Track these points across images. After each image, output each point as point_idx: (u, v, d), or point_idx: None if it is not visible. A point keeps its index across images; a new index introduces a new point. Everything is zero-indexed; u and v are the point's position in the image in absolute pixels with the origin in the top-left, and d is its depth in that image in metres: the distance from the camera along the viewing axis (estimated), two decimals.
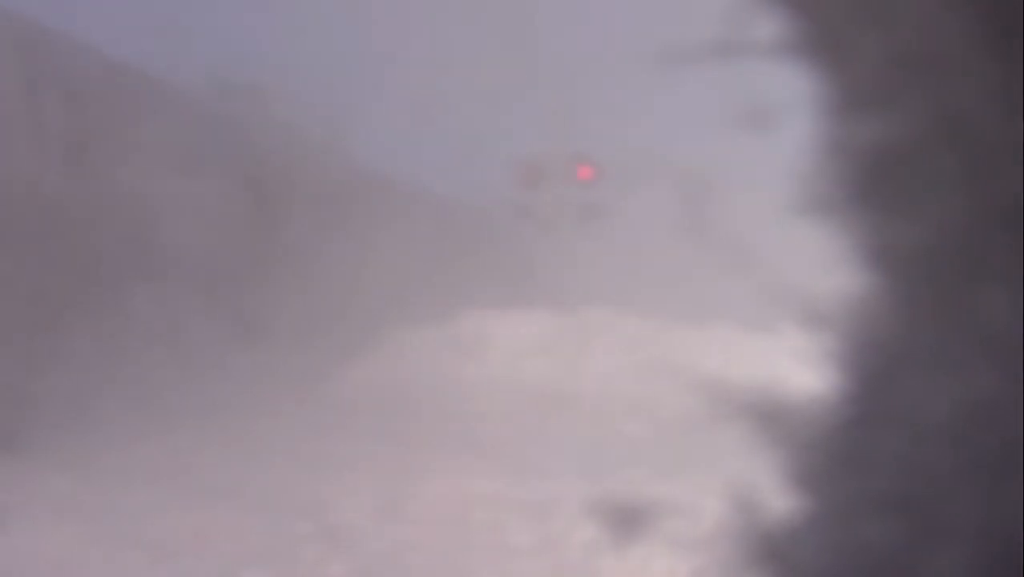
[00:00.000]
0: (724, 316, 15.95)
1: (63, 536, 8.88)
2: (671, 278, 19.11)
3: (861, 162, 1.28)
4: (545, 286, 21.52)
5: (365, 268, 20.48)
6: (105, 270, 15.34)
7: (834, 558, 1.27)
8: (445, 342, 17.10)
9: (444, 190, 23.96)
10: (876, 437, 1.26)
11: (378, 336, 17.24)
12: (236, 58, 19.41)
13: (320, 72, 19.54)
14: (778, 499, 1.30)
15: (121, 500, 9.95)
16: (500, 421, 14.23)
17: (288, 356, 17.07)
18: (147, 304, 16.02)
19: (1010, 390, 1.21)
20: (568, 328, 17.23)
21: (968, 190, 1.23)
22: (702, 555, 6.97)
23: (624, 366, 15.84)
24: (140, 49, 17.23)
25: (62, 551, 8.59)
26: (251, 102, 19.69)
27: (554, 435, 13.37)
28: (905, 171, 1.25)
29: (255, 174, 18.33)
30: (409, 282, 20.87)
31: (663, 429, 13.07)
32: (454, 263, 22.22)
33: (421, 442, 12.72)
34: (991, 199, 1.22)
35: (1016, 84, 1.21)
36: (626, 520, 8.04)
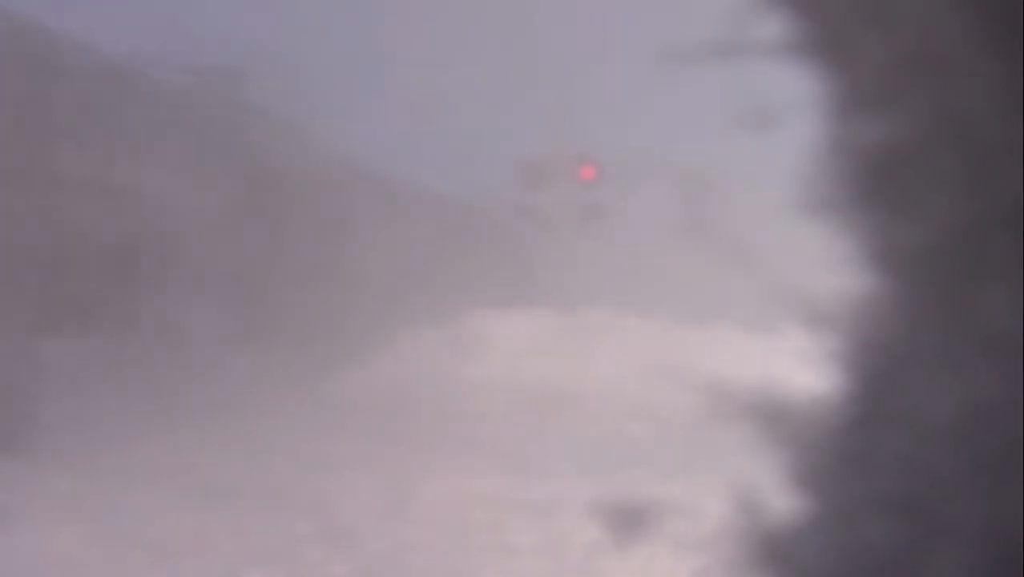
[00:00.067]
0: (726, 316, 15.96)
1: (64, 536, 8.88)
2: (672, 278, 19.12)
3: (863, 162, 1.28)
4: (546, 286, 21.53)
5: (366, 268, 20.48)
6: (105, 270, 15.33)
7: (836, 558, 1.27)
8: (446, 342, 17.11)
9: (445, 190, 23.98)
10: (878, 437, 1.26)
11: (379, 336, 17.26)
12: (238, 58, 19.43)
13: (320, 72, 19.56)
14: (780, 499, 1.30)
15: (122, 500, 9.95)
16: (501, 421, 14.23)
17: (289, 356, 17.08)
18: (147, 304, 16.01)
19: (1011, 390, 1.21)
20: (569, 328, 17.24)
21: (970, 190, 1.23)
22: (704, 555, 6.97)
23: (625, 366, 15.85)
24: (140, 49, 17.24)
25: (63, 551, 8.59)
26: (253, 102, 19.71)
27: (555, 435, 13.38)
28: (907, 171, 1.25)
29: (255, 174, 18.33)
30: (410, 282, 20.87)
31: (665, 429, 13.08)
32: (455, 263, 22.22)
33: (422, 442, 12.73)
34: (993, 199, 1.22)
35: (1017, 84, 1.21)
36: (628, 520, 8.04)
